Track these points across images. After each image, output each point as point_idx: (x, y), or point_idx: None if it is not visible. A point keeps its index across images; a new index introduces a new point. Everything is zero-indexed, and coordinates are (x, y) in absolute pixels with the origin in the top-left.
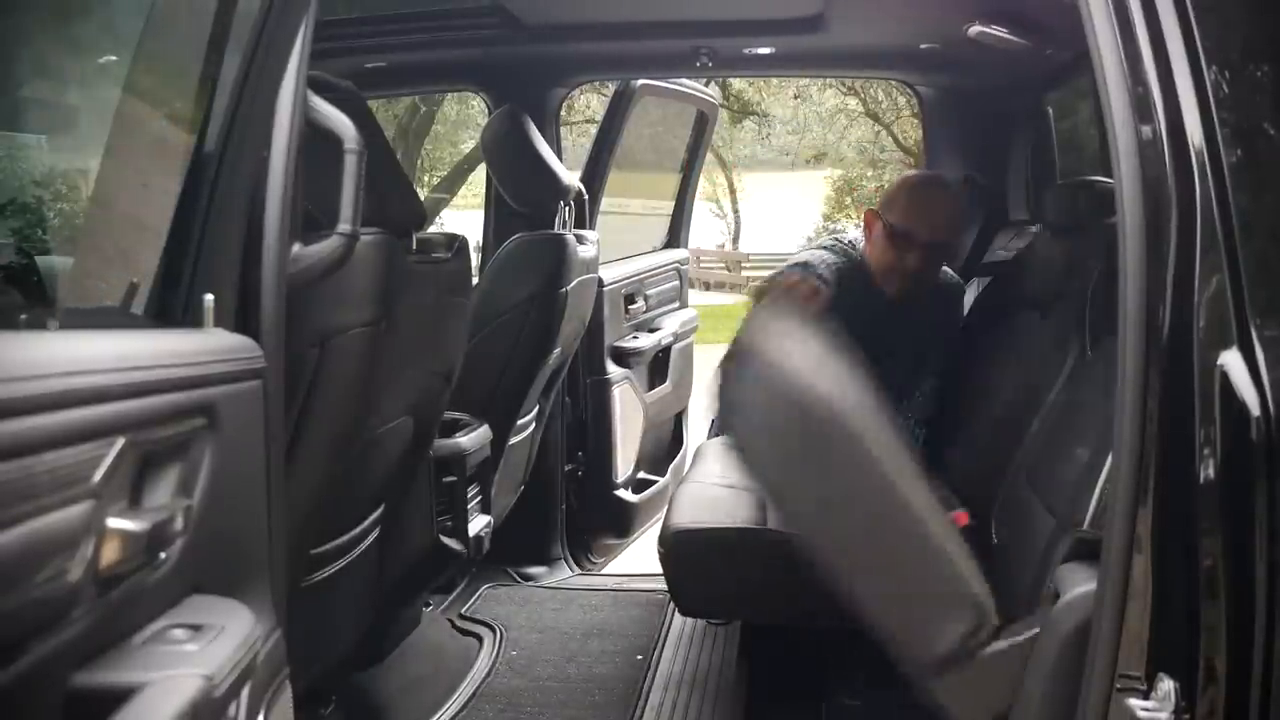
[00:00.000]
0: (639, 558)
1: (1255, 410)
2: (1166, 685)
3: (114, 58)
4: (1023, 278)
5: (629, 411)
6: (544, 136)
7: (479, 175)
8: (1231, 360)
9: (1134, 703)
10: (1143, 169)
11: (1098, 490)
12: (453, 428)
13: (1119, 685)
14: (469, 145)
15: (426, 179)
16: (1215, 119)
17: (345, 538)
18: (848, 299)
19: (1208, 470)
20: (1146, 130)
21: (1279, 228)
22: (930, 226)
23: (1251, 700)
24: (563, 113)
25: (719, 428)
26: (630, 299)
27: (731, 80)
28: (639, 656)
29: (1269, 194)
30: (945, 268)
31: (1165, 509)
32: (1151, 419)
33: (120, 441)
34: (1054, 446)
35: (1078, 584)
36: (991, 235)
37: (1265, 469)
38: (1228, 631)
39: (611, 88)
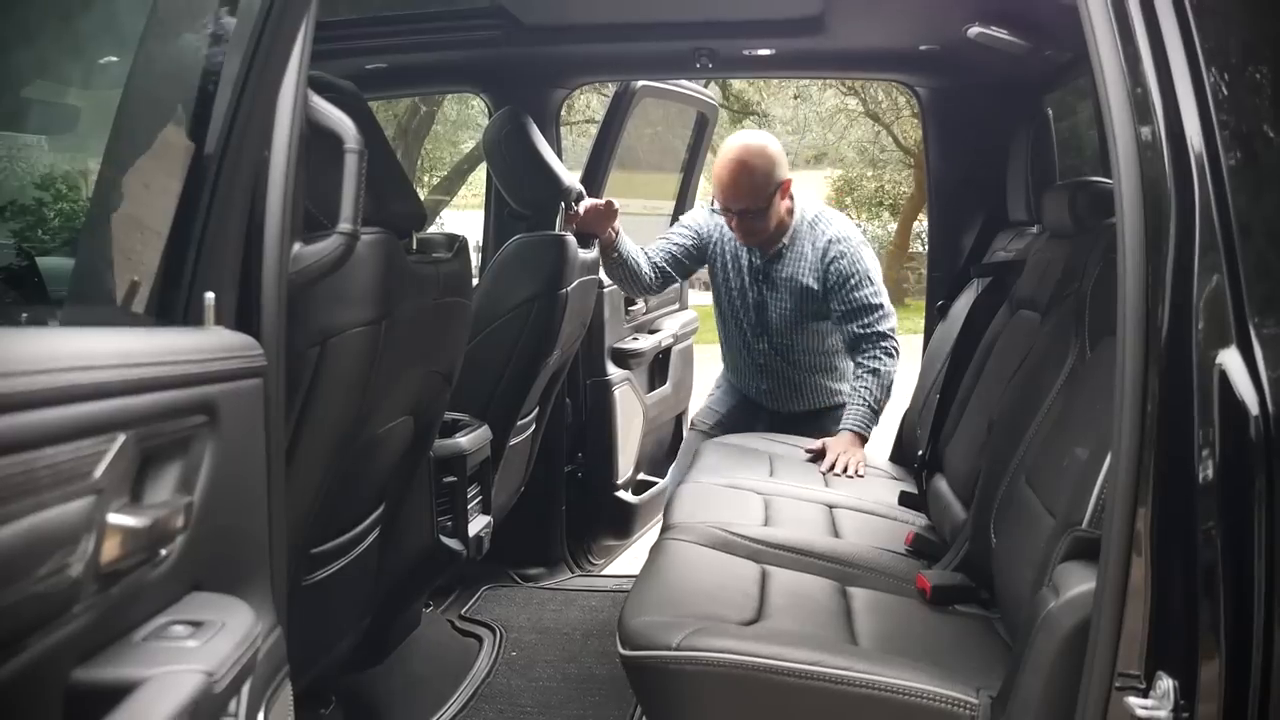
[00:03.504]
0: (639, 559)
1: (1254, 409)
2: (1165, 684)
3: (115, 58)
4: (1022, 278)
5: (629, 413)
6: (544, 137)
7: (479, 175)
8: (1230, 359)
9: (1133, 701)
10: (1142, 170)
11: (1097, 489)
12: (453, 428)
13: (1118, 684)
14: (469, 145)
15: (426, 179)
16: (1214, 120)
17: (345, 537)
18: (727, 248)
19: (1206, 469)
20: (1145, 131)
21: (1277, 227)
22: (732, 199)
23: (1250, 698)
24: (562, 113)
25: None
26: (630, 300)
27: (731, 80)
28: None
29: (1268, 194)
30: (835, 225)
31: (1164, 508)
32: (1150, 418)
33: (121, 438)
34: (1053, 446)
35: (1077, 583)
36: (991, 236)
37: (1264, 467)
38: (1226, 630)
39: (612, 88)
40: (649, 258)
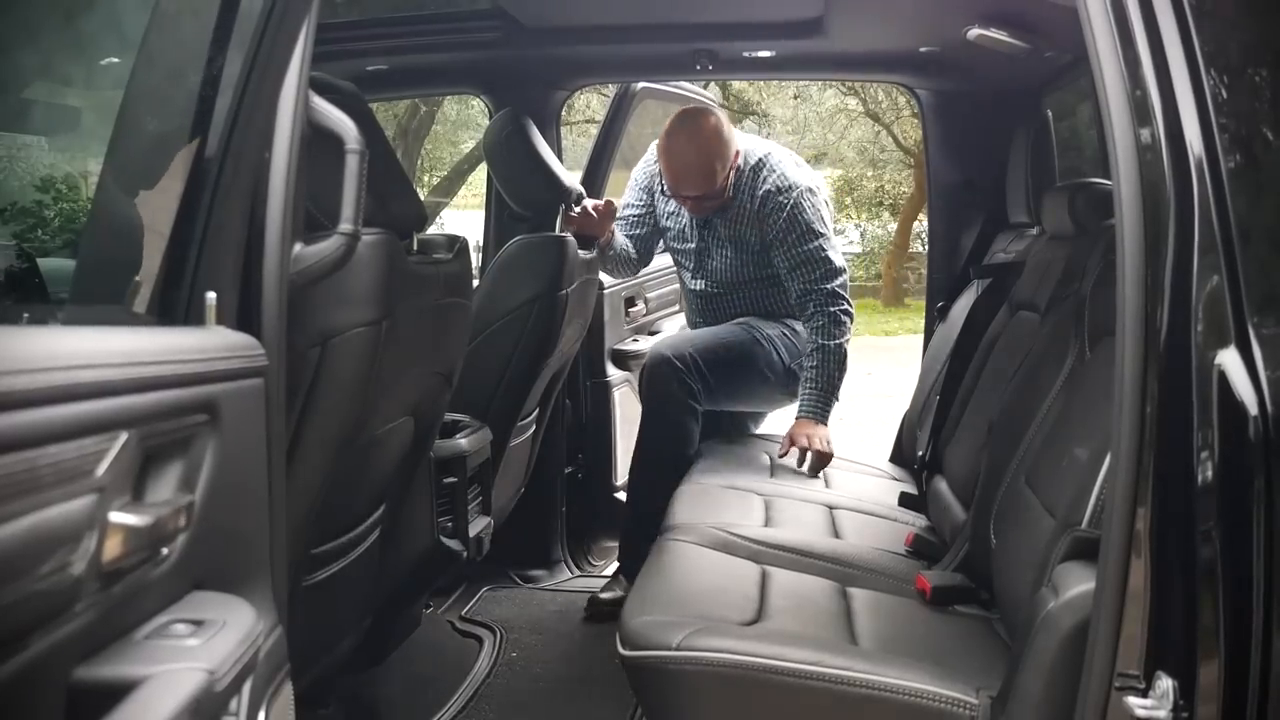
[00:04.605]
0: None
1: (1253, 409)
2: (1165, 684)
3: (116, 59)
4: (1022, 280)
5: (629, 414)
6: (544, 138)
7: (479, 175)
8: (1229, 360)
9: (1132, 701)
10: (1141, 172)
11: (1096, 490)
12: (453, 429)
13: (1117, 684)
14: (469, 145)
15: (426, 179)
16: (1214, 123)
17: (346, 538)
18: (674, 213)
19: (1206, 469)
20: (1145, 134)
21: (1276, 228)
22: (686, 188)
23: (1249, 698)
24: (563, 113)
25: None
26: (630, 302)
27: (731, 81)
28: None
29: (1267, 196)
30: (777, 171)
31: (1163, 508)
32: (1150, 419)
33: (124, 436)
34: (1053, 447)
35: (1076, 583)
36: (991, 238)
37: (1263, 468)
38: (1226, 630)
39: (612, 89)
40: (630, 236)
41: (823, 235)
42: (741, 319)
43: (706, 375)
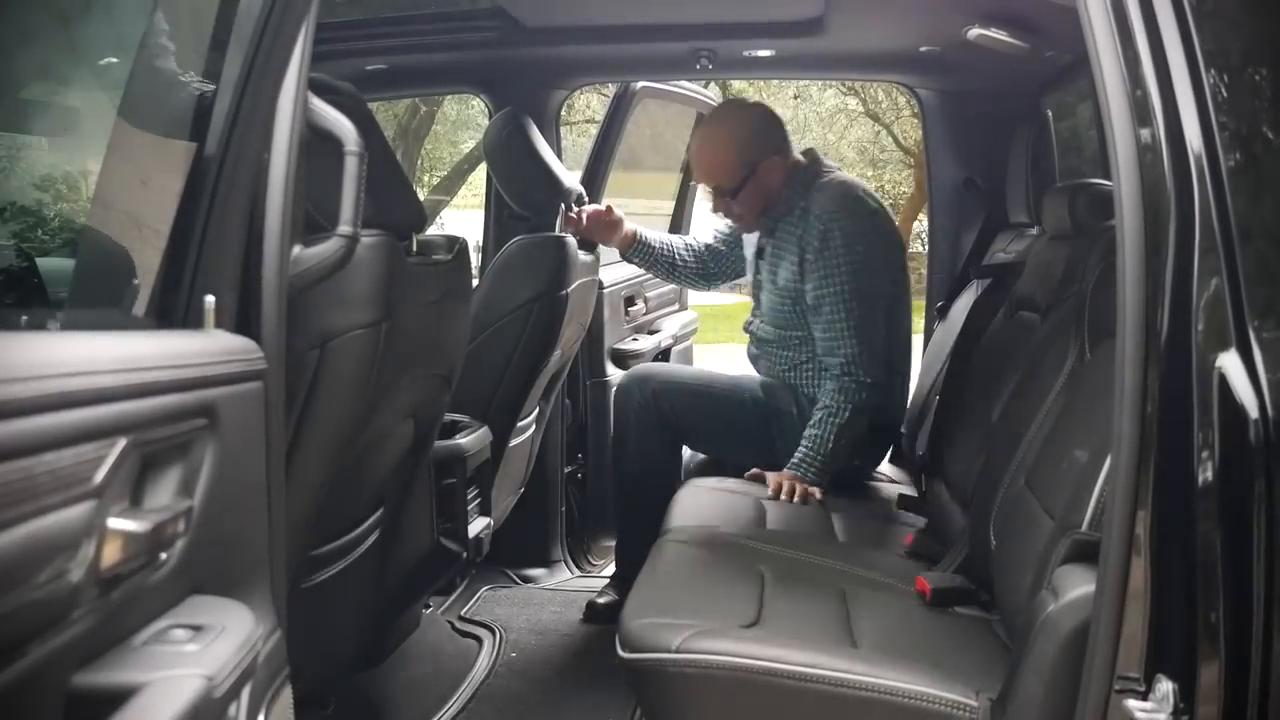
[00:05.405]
0: None
1: (1253, 412)
2: (1165, 686)
3: (115, 60)
4: (1022, 280)
5: None
6: (544, 138)
7: (479, 175)
8: (1230, 362)
9: (1132, 704)
10: (1141, 172)
11: (1096, 492)
12: (453, 429)
13: (1117, 686)
14: (469, 145)
15: (426, 179)
16: (1214, 123)
17: (345, 539)
18: (732, 239)
19: (1206, 472)
20: (1145, 134)
21: (1277, 230)
22: (698, 172)
23: (1249, 701)
24: (562, 113)
25: None
26: (630, 301)
27: (731, 80)
28: None
29: (1268, 196)
30: (827, 192)
31: (1164, 511)
32: (1150, 421)
33: (121, 442)
34: (1053, 448)
35: (1076, 585)
36: (991, 237)
37: (1263, 470)
38: (1226, 632)
39: (612, 88)
40: (687, 243)
41: (851, 282)
42: (775, 377)
43: (667, 413)
